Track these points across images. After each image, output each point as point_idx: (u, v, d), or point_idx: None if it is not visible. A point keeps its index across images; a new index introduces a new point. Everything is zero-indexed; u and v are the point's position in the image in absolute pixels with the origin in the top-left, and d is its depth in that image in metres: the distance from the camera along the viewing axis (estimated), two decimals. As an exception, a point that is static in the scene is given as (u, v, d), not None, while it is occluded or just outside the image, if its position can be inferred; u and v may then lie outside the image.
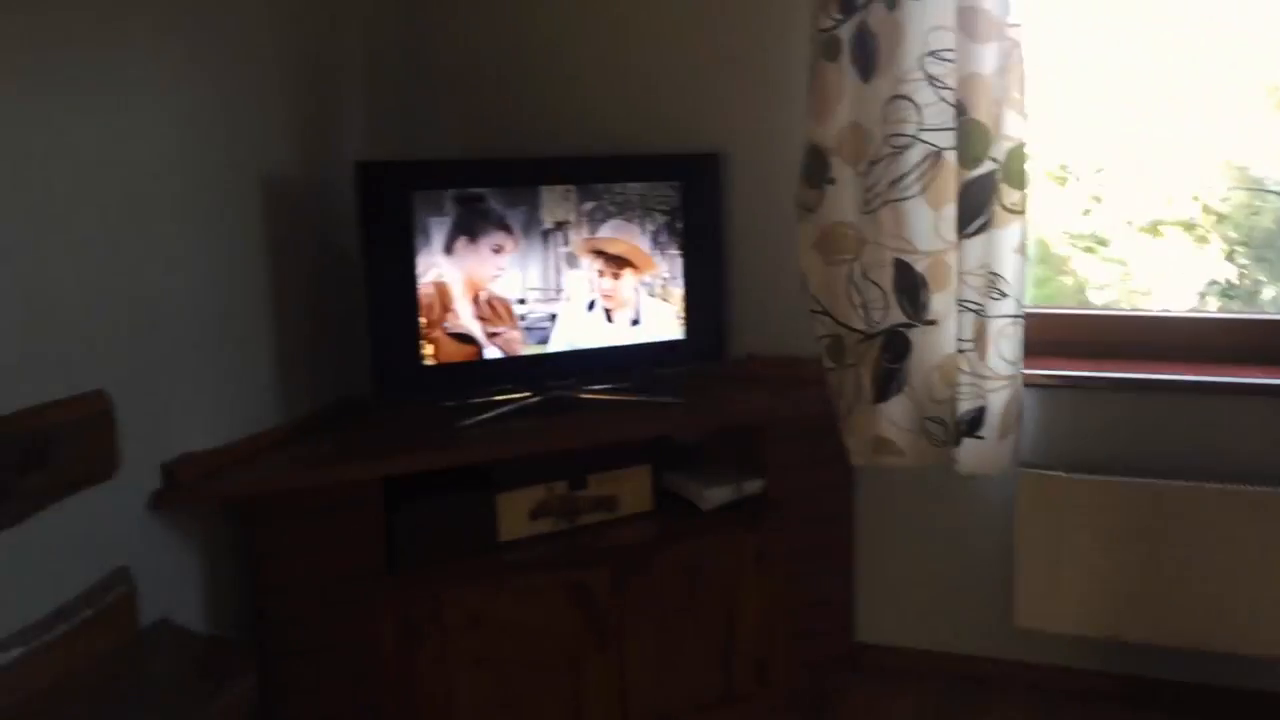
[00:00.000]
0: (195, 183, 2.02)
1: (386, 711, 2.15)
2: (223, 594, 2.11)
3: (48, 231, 1.69)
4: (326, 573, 2.09)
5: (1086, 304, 2.84)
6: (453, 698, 2.21)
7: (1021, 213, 2.29)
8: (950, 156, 2.33)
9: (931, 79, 2.32)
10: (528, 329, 2.38)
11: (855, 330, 2.45)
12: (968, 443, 2.37)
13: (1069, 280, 2.90)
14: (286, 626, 2.08)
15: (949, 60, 2.30)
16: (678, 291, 2.51)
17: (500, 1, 2.75)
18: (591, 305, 2.44)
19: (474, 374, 2.34)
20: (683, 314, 2.52)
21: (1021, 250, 2.31)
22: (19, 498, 1.60)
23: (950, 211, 2.35)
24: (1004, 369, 2.34)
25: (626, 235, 2.45)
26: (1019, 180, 2.28)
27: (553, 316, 2.40)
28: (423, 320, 2.26)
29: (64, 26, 1.71)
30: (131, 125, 1.86)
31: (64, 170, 1.72)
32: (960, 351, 2.35)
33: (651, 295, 2.50)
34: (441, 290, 2.29)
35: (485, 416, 2.32)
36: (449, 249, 2.28)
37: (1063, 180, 2.84)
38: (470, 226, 2.30)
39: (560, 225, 2.39)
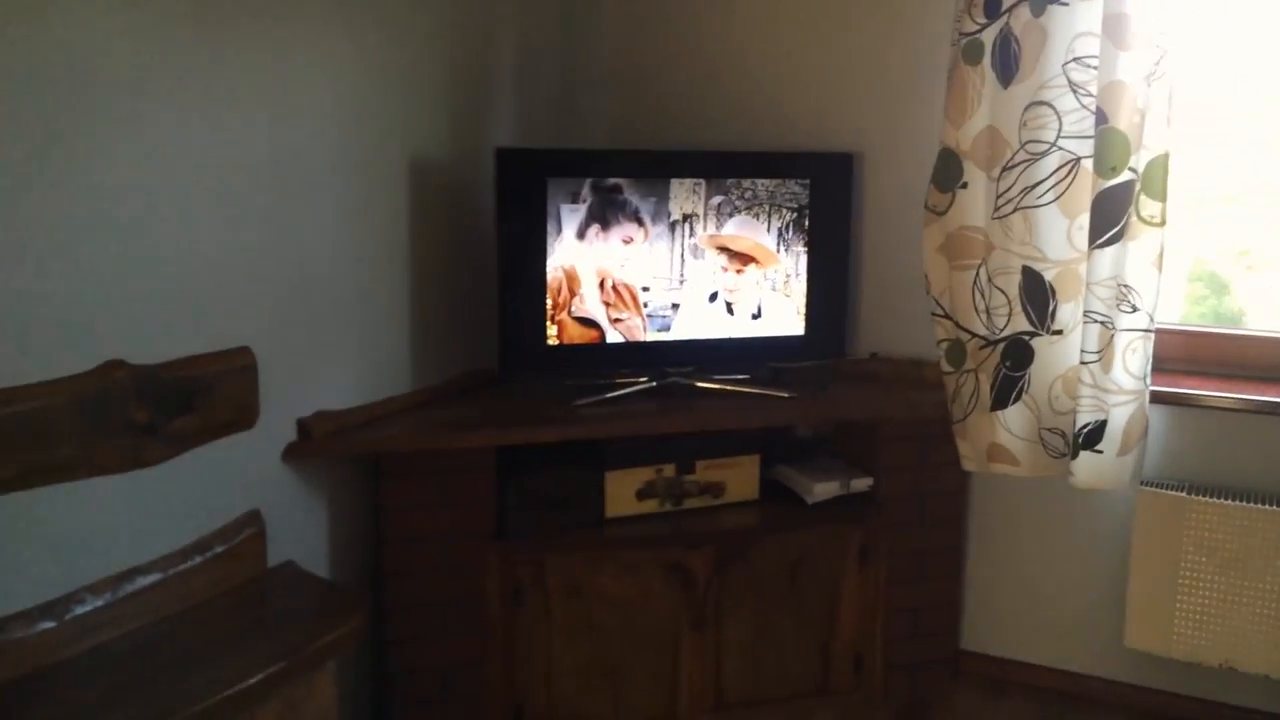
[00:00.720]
0: (348, 162, 2.16)
1: (490, 666, 2.27)
2: (345, 544, 2.26)
3: (206, 200, 1.85)
4: (441, 531, 2.23)
5: (1243, 325, 2.73)
6: (552, 660, 2.32)
7: (1160, 225, 2.22)
8: (1088, 165, 2.28)
9: (1074, 86, 2.27)
10: (650, 316, 2.45)
11: (976, 335, 2.43)
12: (1085, 456, 2.32)
13: (1230, 302, 2.78)
14: (401, 578, 2.22)
15: (1093, 67, 2.24)
16: (800, 288, 2.54)
17: (648, 3, 2.83)
18: (714, 297, 2.49)
19: (595, 356, 2.43)
20: (804, 310, 2.55)
21: (1158, 264, 2.24)
22: (167, 438, 1.77)
23: (1084, 220, 2.30)
24: (1129, 383, 2.28)
25: (752, 231, 2.49)
26: (1159, 192, 2.21)
27: (675, 305, 2.47)
28: (549, 302, 2.36)
29: (237, 15, 1.87)
30: (293, 107, 2.01)
31: (226, 145, 1.88)
32: (1084, 363, 2.30)
33: (774, 290, 2.53)
34: (570, 274, 2.38)
35: (603, 397, 2.41)
36: (580, 235, 2.38)
37: (1231, 200, 2.73)
38: (601, 214, 2.38)
39: (687, 218, 2.45)
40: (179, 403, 1.80)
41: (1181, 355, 2.52)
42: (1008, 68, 2.32)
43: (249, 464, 1.99)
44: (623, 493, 2.38)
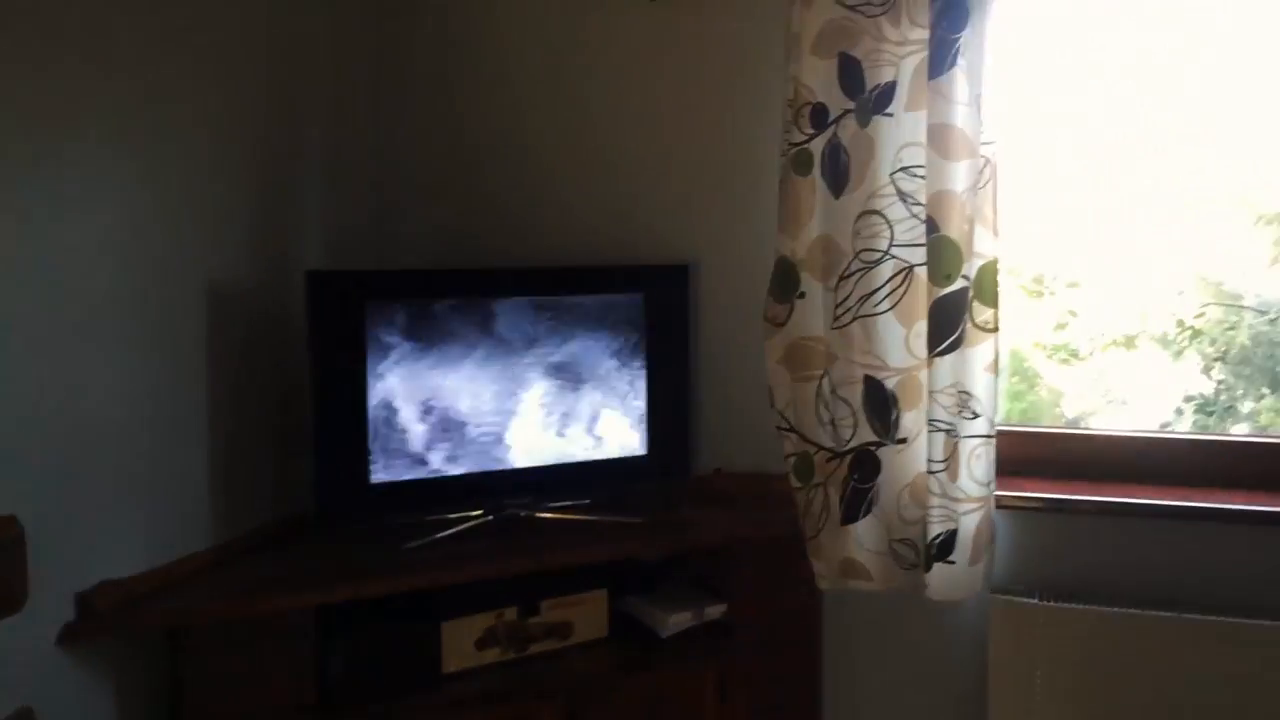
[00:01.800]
0: (133, 291, 1.92)
1: None
2: (141, 733, 1.96)
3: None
4: (254, 709, 1.95)
5: (1060, 417, 2.77)
6: None
7: (994, 330, 2.22)
8: (922, 272, 2.27)
9: (903, 195, 2.27)
10: (481, 450, 2.27)
11: (824, 448, 2.36)
12: (938, 568, 2.27)
13: (1044, 393, 2.84)
14: (208, 769, 1.92)
15: (920, 176, 2.25)
16: (639, 406, 2.41)
17: (466, 107, 2.70)
18: (549, 424, 2.34)
19: (424, 492, 2.23)
20: (645, 430, 2.42)
21: (994, 369, 2.24)
22: (-93, 642, 1.46)
23: (922, 328, 2.28)
24: (976, 490, 2.25)
25: (586, 352, 2.36)
26: (991, 298, 2.21)
27: (506, 435, 2.29)
28: (371, 435, 2.15)
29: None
30: (64, 234, 1.77)
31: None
32: (931, 473, 2.25)
33: (612, 410, 2.40)
34: (392, 406, 2.18)
35: (434, 538, 2.20)
36: (401, 363, 2.18)
37: (1038, 294, 2.79)
38: (425, 341, 2.20)
39: (517, 340, 2.29)
40: (-77, 593, 1.50)
41: (1010, 456, 2.51)
42: (838, 177, 2.30)
43: (18, 653, 1.68)
44: (461, 644, 2.16)
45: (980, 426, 2.24)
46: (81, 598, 1.80)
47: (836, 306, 2.32)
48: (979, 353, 2.22)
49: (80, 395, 1.80)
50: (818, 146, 2.30)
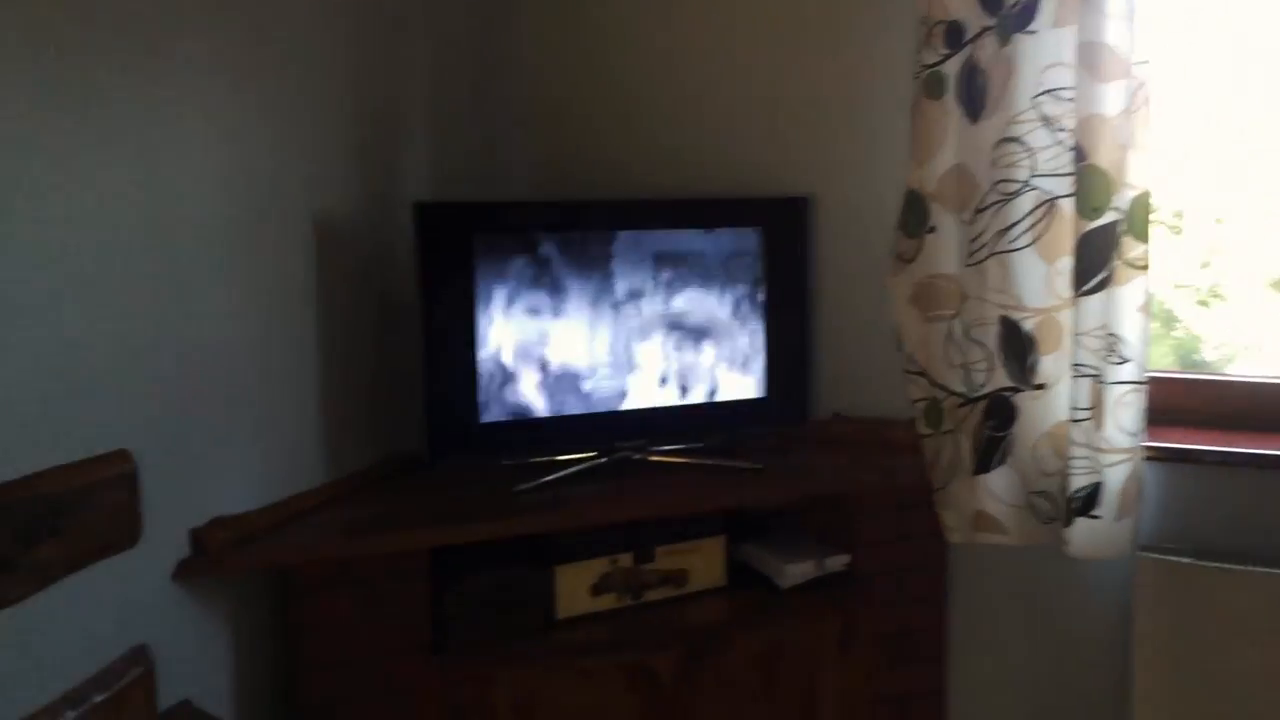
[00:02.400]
0: (240, 228, 1.86)
1: (428, 805, 1.95)
2: (252, 674, 1.93)
3: (67, 283, 1.53)
4: (368, 651, 1.91)
5: (1199, 363, 2.57)
6: (501, 792, 2.00)
7: (1145, 268, 2.05)
8: (1066, 205, 2.11)
9: (1047, 120, 2.10)
10: (593, 389, 2.18)
11: (954, 393, 2.22)
12: (1081, 522, 2.12)
13: (1181, 336, 2.64)
14: (322, 710, 1.89)
15: (1068, 100, 2.07)
16: (757, 346, 2.30)
17: (576, 31, 2.59)
18: (664, 380, 2.24)
19: (534, 433, 2.16)
20: (762, 371, 2.31)
21: (1145, 310, 2.06)
22: (23, 573, 1.44)
23: (1065, 265, 2.12)
24: (1123, 441, 2.09)
25: (701, 289, 2.25)
26: (1143, 233, 2.04)
27: (623, 393, 2.21)
28: (480, 374, 2.08)
29: (93, 55, 1.56)
30: (169, 172, 1.71)
31: (89, 221, 1.57)
32: (1075, 421, 2.10)
33: (731, 370, 2.29)
34: (501, 344, 2.11)
35: (545, 480, 2.12)
36: (512, 298, 2.10)
37: (1178, 230, 2.59)
38: (535, 274, 2.12)
39: (634, 295, 2.20)
40: (39, 527, 1.47)
41: (1157, 404, 2.33)
42: (974, 101, 2.14)
43: (132, 591, 1.65)
44: (576, 589, 2.10)
45: (1129, 372, 2.07)
46: (195, 534, 1.76)
47: (971, 242, 2.17)
48: (1129, 292, 2.05)
49: (190, 328, 1.76)
50: (952, 68, 2.14)
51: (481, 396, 2.09)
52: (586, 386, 2.18)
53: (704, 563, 2.21)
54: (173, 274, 1.72)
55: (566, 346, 2.16)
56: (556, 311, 2.14)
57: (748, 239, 2.27)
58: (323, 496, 2.03)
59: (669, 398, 2.24)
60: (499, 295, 2.08)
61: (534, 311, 2.12)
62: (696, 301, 2.24)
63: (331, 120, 2.08)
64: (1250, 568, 2.12)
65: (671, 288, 2.22)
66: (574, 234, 2.14)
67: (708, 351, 2.27)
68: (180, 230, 1.74)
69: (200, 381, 1.78)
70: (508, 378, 2.11)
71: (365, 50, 2.18)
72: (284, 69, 1.95)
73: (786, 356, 2.33)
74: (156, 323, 1.69)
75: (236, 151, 1.85)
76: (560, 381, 2.15)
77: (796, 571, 2.22)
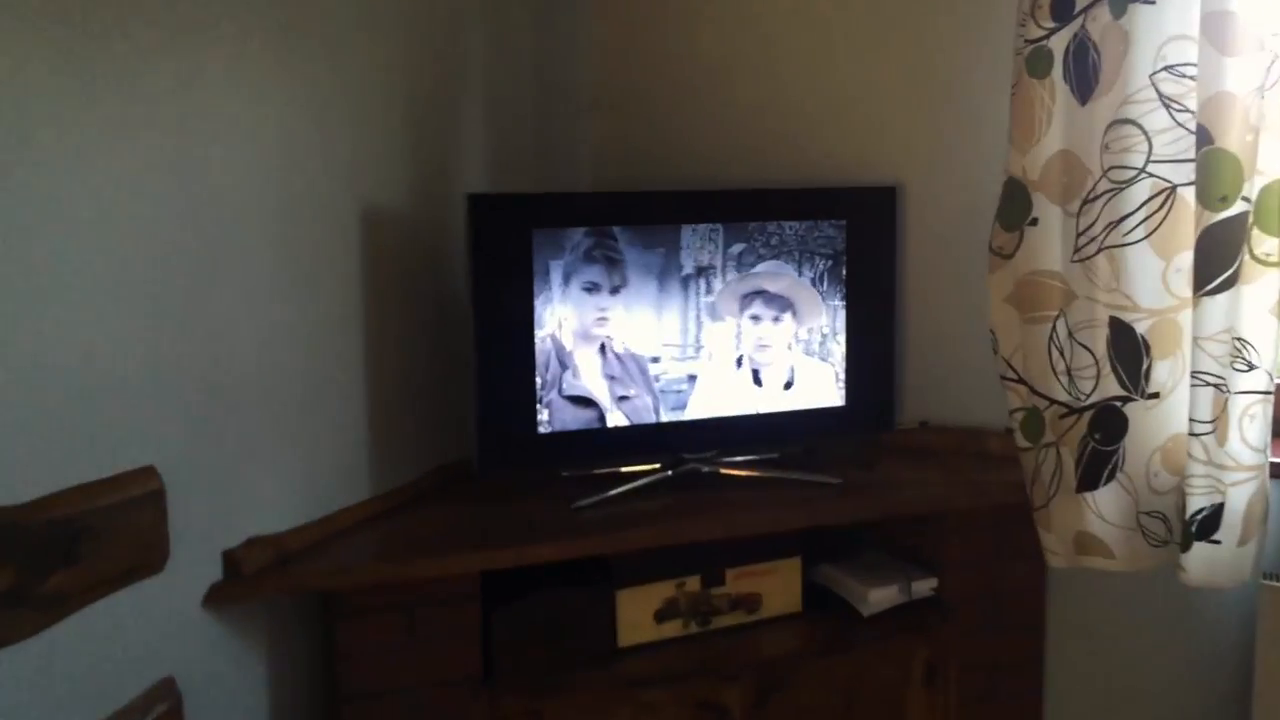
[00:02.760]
0: (282, 221, 1.72)
1: None
2: (290, 706, 1.80)
3: (91, 285, 1.39)
4: (414, 681, 1.76)
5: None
6: (559, 834, 1.85)
7: (1278, 265, 1.83)
8: (1187, 194, 1.89)
9: (1166, 100, 1.88)
10: (662, 391, 2.01)
11: (1057, 402, 2.01)
12: (1200, 548, 1.90)
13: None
14: (364, 745, 1.75)
15: (1189, 77, 1.86)
16: (839, 350, 2.11)
17: (637, 12, 2.41)
18: (739, 362, 2.06)
19: (596, 443, 1.99)
20: (844, 376, 2.12)
21: (1276, 311, 1.84)
22: (39, 604, 1.31)
23: (1184, 261, 1.91)
24: (1249, 457, 1.87)
25: (778, 286, 2.07)
26: (1275, 225, 1.82)
27: (691, 378, 2.02)
28: (538, 379, 1.92)
29: (125, 36, 1.42)
30: (206, 160, 1.57)
31: (116, 213, 1.43)
32: (1194, 435, 1.89)
33: (809, 355, 2.10)
34: (562, 344, 1.94)
35: (607, 495, 1.96)
36: (573, 296, 1.94)
37: None
38: (599, 271, 1.95)
39: (702, 271, 2.02)
40: (56, 553, 1.34)
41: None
42: (1085, 79, 1.93)
43: (159, 618, 1.52)
44: (638, 615, 1.93)
45: (1257, 380, 1.85)
46: (228, 556, 1.63)
47: (1078, 235, 1.96)
48: (1258, 291, 1.84)
49: (223, 332, 1.62)
50: (1060, 42, 1.93)
51: (540, 403, 1.92)
52: (649, 379, 2.00)
53: (778, 587, 2.03)
54: (206, 272, 1.59)
55: (630, 340, 1.98)
56: (619, 304, 1.97)
57: (829, 233, 2.08)
58: (367, 512, 1.88)
59: (740, 399, 2.06)
60: (558, 293, 1.92)
61: (595, 307, 1.95)
62: (771, 287, 2.06)
63: (382, 108, 1.93)
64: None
65: (744, 270, 2.04)
66: (640, 228, 1.96)
67: (781, 339, 2.08)
68: (216, 223, 1.60)
69: (234, 389, 1.64)
70: (568, 382, 1.95)
71: (419, 35, 2.02)
72: (334, 52, 1.80)
73: (870, 359, 2.13)
74: (187, 325, 1.55)
75: (279, 139, 1.71)
76: (623, 379, 1.98)
77: (880, 597, 2.04)
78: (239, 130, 1.63)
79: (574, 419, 1.96)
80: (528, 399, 1.92)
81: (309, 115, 1.75)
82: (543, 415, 1.93)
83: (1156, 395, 1.97)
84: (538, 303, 1.90)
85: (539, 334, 1.91)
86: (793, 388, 2.09)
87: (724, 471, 2.08)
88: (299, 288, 1.76)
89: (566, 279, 1.92)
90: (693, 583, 1.97)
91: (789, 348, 2.07)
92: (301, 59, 1.73)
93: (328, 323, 1.82)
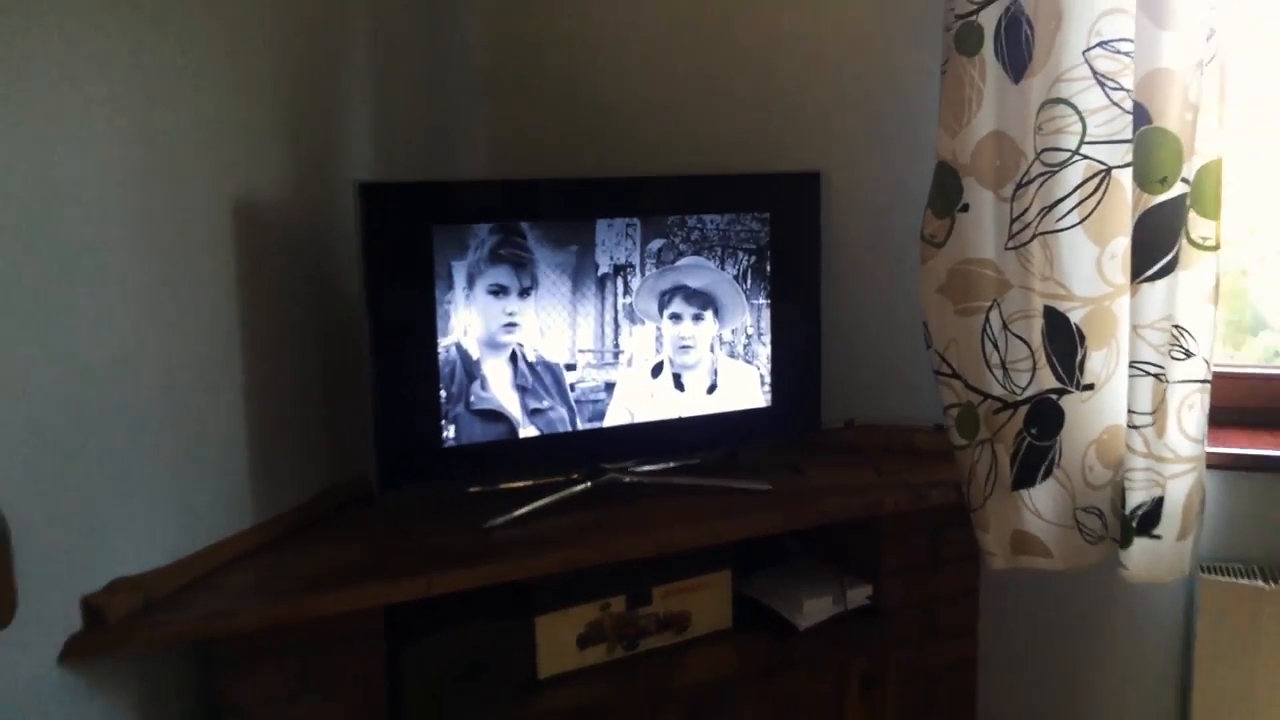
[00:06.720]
0: (138, 218, 1.49)
1: None
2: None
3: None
4: (311, 732, 1.57)
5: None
6: None
7: (1215, 249, 1.77)
8: (1122, 177, 1.82)
9: (1101, 78, 1.80)
10: (578, 401, 1.84)
11: (992, 397, 1.92)
12: (1140, 543, 1.84)
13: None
14: (255, 810, 1.54)
15: (1125, 53, 1.78)
16: (764, 351, 1.97)
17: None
18: (658, 369, 1.90)
19: (507, 456, 1.81)
20: (769, 377, 1.98)
21: (1213, 298, 1.78)
22: None
23: (1119, 247, 1.84)
24: (1188, 449, 1.82)
25: (698, 281, 1.92)
26: (1213, 208, 1.76)
27: (609, 385, 1.86)
28: (443, 391, 1.73)
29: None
30: (47, 152, 1.35)
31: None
32: (1133, 427, 1.82)
33: (733, 356, 1.96)
34: (465, 352, 1.75)
35: (520, 512, 1.79)
36: (479, 300, 1.75)
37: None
38: (506, 271, 1.76)
39: (620, 270, 1.85)
40: None
41: (1221, 404, 2.07)
42: (1017, 56, 1.84)
43: (7, 679, 1.30)
44: (560, 643, 1.77)
45: (1195, 369, 1.80)
46: (88, 603, 1.40)
47: (1012, 221, 1.88)
48: (1196, 277, 1.78)
49: (78, 350, 1.40)
50: (990, 17, 1.84)
51: (444, 413, 1.74)
52: (563, 383, 1.83)
53: (708, 603, 1.89)
54: (56, 279, 1.36)
55: (541, 343, 1.81)
56: (529, 303, 1.79)
57: (752, 226, 1.94)
58: (251, 544, 1.67)
59: (659, 403, 1.90)
60: (461, 296, 1.73)
61: (502, 307, 1.77)
62: (691, 282, 1.91)
63: (256, 95, 1.70)
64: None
65: (663, 265, 1.88)
66: (551, 224, 1.79)
67: (702, 337, 1.93)
68: (65, 226, 1.37)
69: (92, 408, 1.42)
70: (474, 389, 1.76)
71: (295, 15, 1.80)
72: (194, 37, 1.57)
73: (795, 357, 2.00)
74: (36, 340, 1.33)
75: (135, 128, 1.47)
76: (535, 384, 1.80)
77: (815, 609, 1.92)
78: (87, 120, 1.40)
79: (483, 433, 1.77)
80: (431, 410, 1.73)
81: (170, 100, 1.53)
82: (448, 431, 1.74)
83: (1091, 387, 1.90)
84: (440, 307, 1.71)
85: (442, 342, 1.72)
86: (716, 391, 1.94)
87: (646, 481, 1.93)
88: (164, 292, 1.53)
89: (471, 280, 1.73)
90: (617, 604, 1.81)
91: (712, 350, 1.93)
92: (157, 52, 1.50)
93: (198, 331, 1.60)
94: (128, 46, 1.46)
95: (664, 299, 1.89)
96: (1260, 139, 2.12)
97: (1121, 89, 1.80)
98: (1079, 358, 1.89)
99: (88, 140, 1.40)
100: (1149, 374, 1.80)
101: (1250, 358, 2.28)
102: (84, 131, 1.40)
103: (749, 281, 1.94)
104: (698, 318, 1.91)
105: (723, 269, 1.92)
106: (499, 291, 1.76)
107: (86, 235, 1.40)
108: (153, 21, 1.50)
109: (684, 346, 1.91)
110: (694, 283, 1.90)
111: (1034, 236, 1.86)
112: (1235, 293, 2.31)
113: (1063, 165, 1.84)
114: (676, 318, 1.90)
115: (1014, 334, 1.90)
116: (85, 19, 1.39)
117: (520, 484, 1.87)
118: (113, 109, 1.44)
